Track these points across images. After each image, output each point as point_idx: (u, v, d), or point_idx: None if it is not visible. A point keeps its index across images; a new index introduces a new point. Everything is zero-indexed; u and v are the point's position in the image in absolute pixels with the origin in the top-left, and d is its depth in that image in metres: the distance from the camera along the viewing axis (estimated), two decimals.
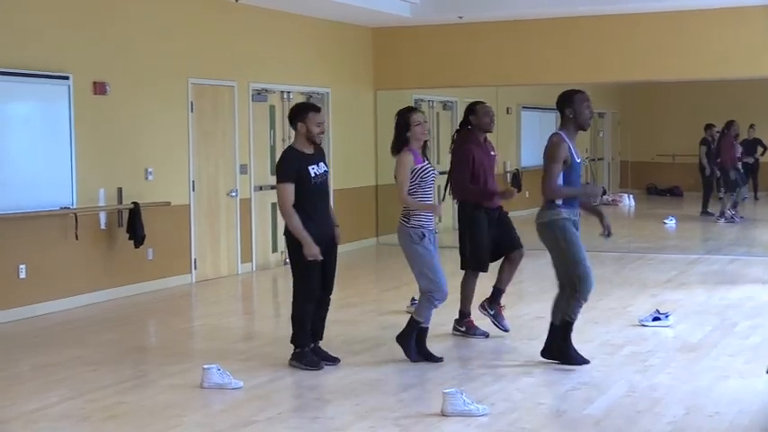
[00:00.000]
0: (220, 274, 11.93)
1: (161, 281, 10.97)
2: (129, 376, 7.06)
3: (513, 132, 17.75)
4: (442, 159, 14.19)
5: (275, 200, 12.16)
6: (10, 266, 9.26)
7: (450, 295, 7.33)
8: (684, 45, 13.31)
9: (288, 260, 7.65)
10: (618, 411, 6.03)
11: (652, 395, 6.35)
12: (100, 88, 10.17)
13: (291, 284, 7.17)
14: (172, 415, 6.01)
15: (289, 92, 13.10)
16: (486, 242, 8.04)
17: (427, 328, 7.31)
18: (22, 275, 9.36)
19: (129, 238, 10.33)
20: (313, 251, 6.91)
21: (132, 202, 10.40)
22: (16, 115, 9.38)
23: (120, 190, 10.41)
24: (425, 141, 7.28)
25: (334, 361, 7.21)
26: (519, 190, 8.43)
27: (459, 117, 8.84)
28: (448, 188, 8.27)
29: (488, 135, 8.29)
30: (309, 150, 7.08)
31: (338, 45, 14.19)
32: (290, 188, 6.94)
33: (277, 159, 7.36)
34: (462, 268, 8.20)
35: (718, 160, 17.81)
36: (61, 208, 9.63)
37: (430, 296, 7.15)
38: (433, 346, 7.39)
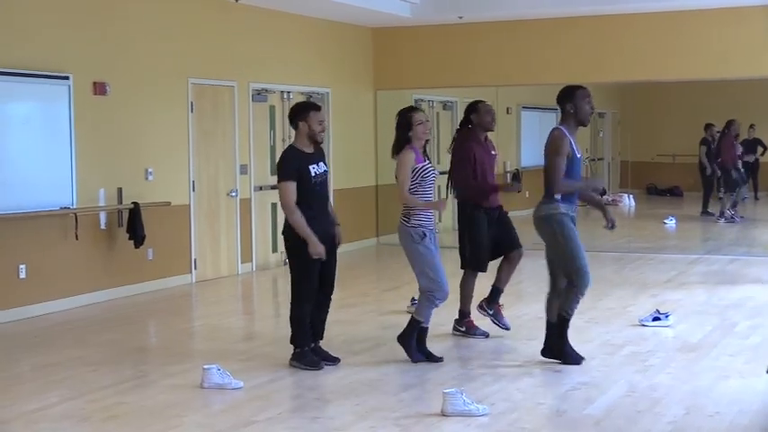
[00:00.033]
0: (220, 275, 11.93)
1: (161, 281, 10.97)
2: (130, 376, 7.06)
3: (513, 132, 17.74)
4: (442, 159, 14.18)
5: (275, 200, 12.29)
6: (10, 266, 9.26)
7: (450, 295, 7.33)
8: (684, 45, 13.31)
9: (287, 260, 7.65)
10: (618, 411, 6.03)
11: (652, 395, 6.35)
12: (100, 88, 10.17)
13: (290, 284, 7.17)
14: (172, 415, 6.01)
15: (289, 92, 13.10)
16: (486, 242, 8.04)
17: (427, 328, 7.32)
18: (22, 275, 9.36)
19: (129, 239, 10.34)
20: (318, 249, 6.91)
21: (132, 203, 10.40)
22: (16, 115, 9.38)
23: (120, 190, 10.41)
24: (426, 141, 7.29)
25: (334, 361, 7.21)
26: (519, 190, 8.41)
27: (459, 117, 8.84)
28: (449, 187, 8.26)
29: (489, 134, 8.30)
30: (310, 150, 7.09)
31: (338, 45, 14.19)
32: (292, 186, 6.94)
33: (277, 159, 7.36)
34: (462, 268, 8.21)
35: (719, 160, 17.81)
36: (61, 208, 9.63)
37: (431, 295, 7.15)
38: (433, 346, 7.39)
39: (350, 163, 14.34)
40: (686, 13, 13.17)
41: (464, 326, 8.20)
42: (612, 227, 7.21)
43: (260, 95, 12.66)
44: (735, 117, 18.05)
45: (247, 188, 12.39)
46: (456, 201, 8.33)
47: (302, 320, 7.09)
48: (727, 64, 13.21)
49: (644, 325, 8.49)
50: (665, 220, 17.40)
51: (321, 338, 7.29)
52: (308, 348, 7.15)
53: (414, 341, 7.24)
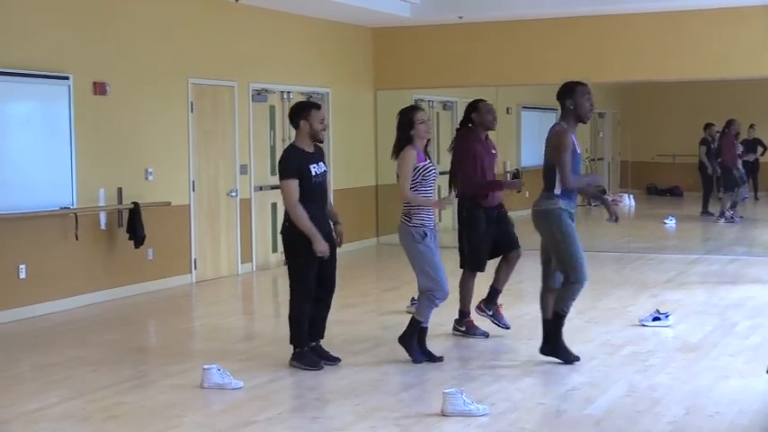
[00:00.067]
0: (220, 275, 11.93)
1: (161, 281, 10.97)
2: (130, 376, 7.06)
3: (513, 132, 17.74)
4: (443, 159, 14.18)
5: (275, 200, 12.33)
6: (10, 266, 9.26)
7: (450, 295, 7.33)
8: (684, 45, 13.31)
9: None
10: (618, 411, 6.03)
11: (652, 395, 6.35)
12: (100, 88, 10.17)
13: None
14: (172, 415, 6.01)
15: (289, 92, 13.10)
16: (485, 242, 8.04)
17: (426, 328, 7.31)
18: (22, 275, 9.36)
19: (130, 239, 10.34)
20: (322, 247, 6.92)
21: (132, 203, 10.40)
22: (16, 115, 9.38)
23: (120, 190, 10.41)
24: (428, 140, 7.29)
25: (334, 361, 7.22)
26: (519, 190, 8.42)
27: (459, 117, 8.83)
28: (452, 187, 8.25)
29: (489, 134, 8.29)
30: (311, 149, 7.10)
31: (338, 45, 14.19)
32: (294, 184, 6.95)
33: (278, 159, 7.37)
34: (461, 267, 8.20)
35: (719, 160, 17.81)
36: (61, 208, 9.63)
37: (431, 295, 7.15)
38: (433, 346, 7.39)
39: (350, 163, 14.34)
40: (686, 13, 13.17)
41: (464, 326, 8.20)
42: (616, 219, 7.19)
43: (260, 95, 12.66)
44: (735, 117, 18.05)
45: (247, 188, 12.39)
46: (456, 200, 8.32)
47: (301, 320, 7.10)
48: (727, 64, 13.21)
49: (644, 325, 8.49)
50: (665, 220, 17.40)
51: (322, 338, 7.30)
52: (308, 348, 7.15)
53: (415, 342, 7.24)
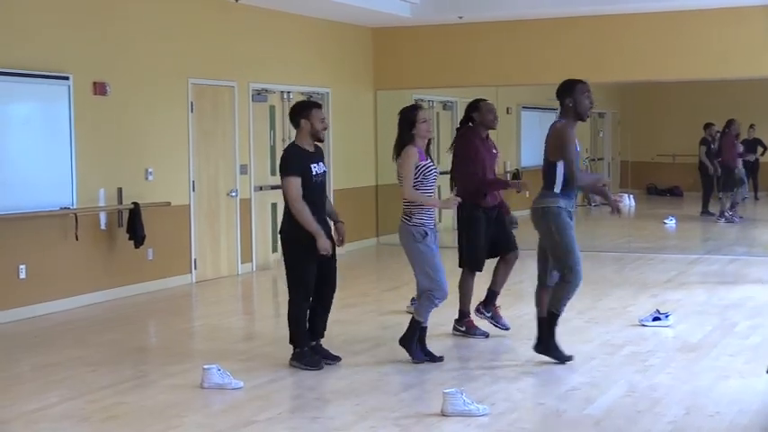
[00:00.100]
0: (220, 275, 11.93)
1: (161, 281, 10.97)
2: (130, 376, 7.06)
3: (513, 132, 17.73)
4: (443, 159, 14.17)
5: (275, 200, 12.33)
6: (10, 266, 9.26)
7: (450, 295, 7.33)
8: (684, 45, 13.31)
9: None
10: (618, 411, 6.03)
11: (652, 395, 6.35)
12: (100, 88, 10.17)
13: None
14: (172, 415, 6.01)
15: (289, 92, 13.10)
16: (483, 242, 8.04)
17: (426, 328, 7.31)
18: (22, 276, 9.36)
19: (130, 239, 10.34)
20: (325, 245, 6.92)
21: (132, 203, 10.40)
22: (16, 115, 9.38)
23: (120, 190, 10.41)
24: (429, 140, 7.28)
25: (335, 359, 7.22)
26: (519, 191, 8.42)
27: (460, 117, 8.83)
28: (454, 186, 8.24)
29: (490, 134, 8.29)
30: (311, 148, 7.11)
31: (338, 45, 14.19)
32: (296, 181, 6.95)
33: (278, 159, 7.37)
34: (460, 266, 8.20)
35: (719, 159, 17.80)
36: (61, 208, 9.63)
37: (430, 295, 7.14)
38: (433, 346, 7.39)
39: (350, 163, 14.34)
40: (686, 13, 13.17)
41: (464, 326, 8.20)
42: (619, 212, 7.17)
43: (260, 95, 12.66)
44: (735, 117, 18.05)
45: (247, 188, 12.39)
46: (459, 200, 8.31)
47: (300, 320, 7.10)
48: (727, 64, 13.21)
49: (644, 325, 8.49)
50: (665, 220, 17.40)
51: (322, 337, 7.30)
52: (308, 348, 7.15)
53: (415, 342, 7.24)
